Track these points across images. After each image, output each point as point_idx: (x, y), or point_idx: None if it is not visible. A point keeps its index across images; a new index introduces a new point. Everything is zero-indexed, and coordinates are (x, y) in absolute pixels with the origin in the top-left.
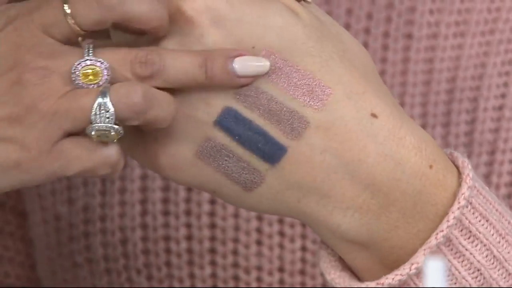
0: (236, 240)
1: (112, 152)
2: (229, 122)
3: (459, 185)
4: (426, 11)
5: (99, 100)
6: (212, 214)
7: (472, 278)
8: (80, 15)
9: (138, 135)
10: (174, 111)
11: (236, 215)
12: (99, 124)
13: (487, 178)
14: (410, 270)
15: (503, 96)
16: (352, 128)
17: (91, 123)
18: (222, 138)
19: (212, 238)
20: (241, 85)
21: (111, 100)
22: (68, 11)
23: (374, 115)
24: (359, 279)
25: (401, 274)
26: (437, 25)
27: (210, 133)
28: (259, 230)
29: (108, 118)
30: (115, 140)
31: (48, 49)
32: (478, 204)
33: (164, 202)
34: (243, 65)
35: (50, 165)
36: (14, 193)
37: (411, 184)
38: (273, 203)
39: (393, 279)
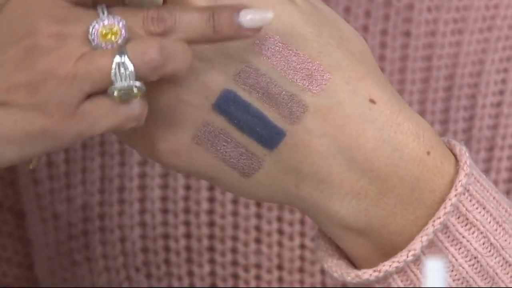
0: (235, 238)
1: (135, 106)
2: (228, 105)
3: (457, 172)
4: (424, 9)
5: (118, 59)
6: (210, 212)
7: (469, 266)
8: None
9: None
10: (190, 59)
11: (235, 213)
12: (121, 84)
13: (485, 174)
14: (407, 257)
15: (501, 93)
16: (350, 113)
17: (111, 83)
18: (220, 122)
19: (211, 236)
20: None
21: (129, 58)
22: None
23: (372, 101)
24: (356, 267)
25: (398, 261)
26: (435, 23)
27: (208, 117)
28: (258, 228)
29: (128, 76)
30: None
31: (61, 12)
32: (475, 191)
33: (162, 200)
34: (251, 16)
35: (76, 128)
36: (11, 193)
37: (409, 170)
38: (271, 189)
39: (390, 266)
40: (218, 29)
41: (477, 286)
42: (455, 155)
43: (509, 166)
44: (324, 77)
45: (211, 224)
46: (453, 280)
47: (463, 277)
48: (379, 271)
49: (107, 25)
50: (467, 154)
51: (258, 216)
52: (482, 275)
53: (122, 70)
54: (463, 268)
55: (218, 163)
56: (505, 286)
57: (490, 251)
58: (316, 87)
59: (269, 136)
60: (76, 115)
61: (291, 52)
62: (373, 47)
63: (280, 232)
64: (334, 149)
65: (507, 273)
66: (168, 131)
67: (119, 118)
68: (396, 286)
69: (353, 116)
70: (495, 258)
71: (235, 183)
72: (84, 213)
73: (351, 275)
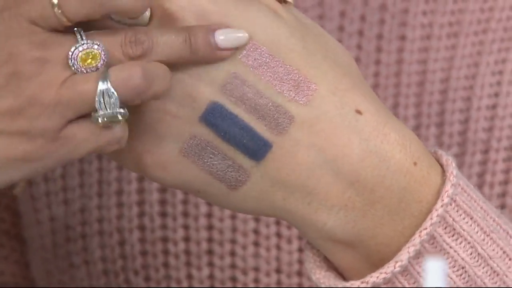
0: (233, 241)
1: (117, 130)
2: (215, 117)
3: (443, 182)
4: (419, 13)
5: (101, 86)
6: (209, 215)
7: (457, 276)
8: (69, 11)
9: None
10: (170, 80)
11: (233, 217)
12: (106, 112)
13: (481, 177)
14: (395, 268)
15: (496, 95)
16: (337, 124)
17: (95, 110)
18: (207, 134)
19: (210, 240)
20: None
21: (112, 85)
22: (56, 6)
23: (358, 112)
24: (345, 279)
25: (385, 272)
26: (431, 26)
27: (195, 130)
28: (256, 231)
29: (113, 104)
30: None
31: (40, 38)
32: (462, 201)
33: (161, 204)
34: (224, 36)
35: (57, 152)
36: (8, 192)
37: (395, 180)
38: (258, 202)
39: (377, 277)
40: (195, 50)
41: None
42: (441, 165)
43: (504, 168)
44: (311, 88)
45: (210, 227)
46: None
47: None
48: (367, 283)
49: (86, 50)
50: (453, 164)
51: (256, 219)
52: (470, 285)
53: (106, 98)
54: (450, 278)
55: (205, 176)
56: None
57: (477, 261)
58: (303, 97)
59: (256, 148)
60: (58, 139)
61: (277, 63)
62: (369, 51)
63: (279, 235)
64: (321, 160)
65: (495, 283)
66: (155, 145)
67: (101, 142)
68: None
69: (340, 127)
70: (483, 268)
71: (222, 196)
72: (82, 216)
73: (339, 286)
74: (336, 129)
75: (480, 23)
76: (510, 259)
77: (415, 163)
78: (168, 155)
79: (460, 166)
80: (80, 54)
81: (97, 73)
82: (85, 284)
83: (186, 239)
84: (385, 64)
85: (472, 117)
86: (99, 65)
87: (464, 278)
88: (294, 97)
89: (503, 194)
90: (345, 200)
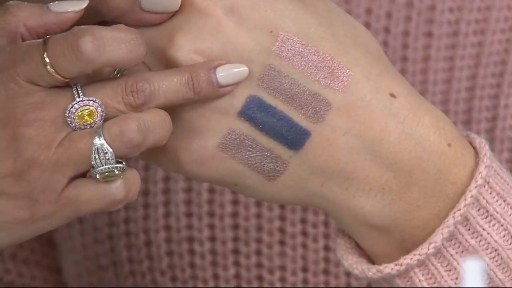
0: (259, 241)
1: (118, 190)
2: (253, 111)
3: (477, 164)
4: (446, 9)
5: (95, 143)
6: (234, 215)
7: (490, 259)
8: (61, 69)
9: None
10: (170, 127)
11: (258, 216)
12: (102, 168)
13: None
14: (428, 249)
15: None
16: (372, 108)
17: (93, 167)
18: (245, 128)
19: (235, 239)
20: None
21: (106, 141)
22: (49, 65)
23: (393, 95)
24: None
25: (419, 254)
26: (457, 23)
27: (233, 124)
28: (282, 230)
29: (108, 159)
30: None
31: (37, 98)
32: (496, 184)
33: (187, 204)
34: (225, 73)
35: (61, 212)
36: None
37: (431, 162)
38: (296, 191)
39: (411, 259)
40: (198, 90)
41: (498, 279)
42: (474, 148)
43: None
44: (345, 73)
45: (235, 226)
46: None
47: (484, 270)
48: (401, 265)
49: (82, 107)
50: (487, 147)
51: (282, 218)
52: (503, 268)
53: (101, 154)
54: (483, 260)
55: (243, 169)
56: None
57: (510, 244)
58: (338, 84)
59: (294, 138)
60: (60, 200)
61: (311, 51)
62: (395, 48)
63: (304, 234)
64: (359, 145)
65: None
66: (192, 141)
67: (102, 202)
68: (417, 280)
69: (376, 111)
70: None
71: (260, 187)
72: (109, 217)
73: (372, 270)
74: (373, 114)
75: (507, 20)
76: None
77: (449, 145)
78: (206, 150)
79: None
80: (76, 112)
81: (91, 129)
82: (113, 285)
83: (212, 239)
84: (412, 61)
85: (499, 115)
86: (96, 120)
87: (497, 261)
88: (329, 84)
89: None
90: (382, 183)
